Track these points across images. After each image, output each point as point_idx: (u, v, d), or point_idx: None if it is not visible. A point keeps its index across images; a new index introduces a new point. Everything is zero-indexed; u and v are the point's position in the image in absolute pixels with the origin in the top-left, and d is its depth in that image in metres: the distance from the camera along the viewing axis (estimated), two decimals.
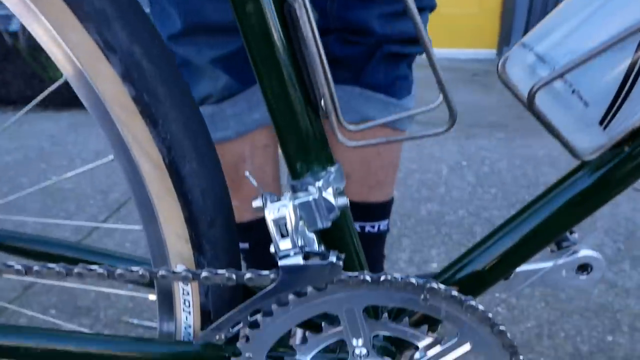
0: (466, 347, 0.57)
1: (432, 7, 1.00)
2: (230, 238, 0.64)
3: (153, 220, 0.60)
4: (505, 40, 5.13)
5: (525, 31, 5.00)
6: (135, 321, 0.72)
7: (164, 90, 0.56)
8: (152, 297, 0.66)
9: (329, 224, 0.55)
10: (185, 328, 0.65)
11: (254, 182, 0.55)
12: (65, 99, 3.39)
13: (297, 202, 0.54)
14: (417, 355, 0.59)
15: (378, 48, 1.02)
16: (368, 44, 1.00)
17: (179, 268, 0.57)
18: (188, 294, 0.64)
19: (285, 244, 0.53)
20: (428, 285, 0.54)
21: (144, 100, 0.55)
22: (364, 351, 0.58)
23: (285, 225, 0.53)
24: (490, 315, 0.55)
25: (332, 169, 0.56)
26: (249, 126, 1.01)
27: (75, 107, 3.30)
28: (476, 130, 3.06)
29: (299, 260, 0.54)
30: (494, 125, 3.17)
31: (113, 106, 0.54)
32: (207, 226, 0.60)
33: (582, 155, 0.53)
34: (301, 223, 0.54)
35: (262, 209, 0.54)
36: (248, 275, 0.56)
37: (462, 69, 4.68)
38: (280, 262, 0.54)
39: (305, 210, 0.54)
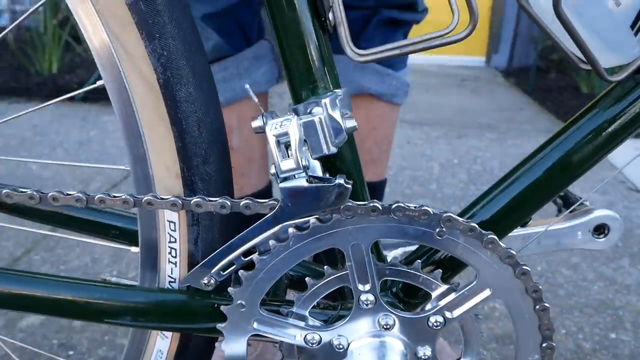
0: (485, 293, 0.51)
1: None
2: (224, 178, 0.57)
3: (141, 151, 0.53)
4: (493, 48, 5.16)
5: (514, 41, 5.05)
6: (115, 279, 0.65)
7: (164, 1, 0.50)
8: (135, 249, 0.60)
9: (335, 149, 0.49)
10: (169, 283, 0.58)
11: (255, 97, 0.49)
12: (52, 91, 3.30)
13: (301, 120, 0.48)
14: (429, 305, 0.53)
15: (375, 14, 0.98)
16: (366, 7, 0.97)
17: (167, 195, 0.51)
18: (175, 241, 0.57)
19: (287, 164, 0.47)
20: (445, 215, 0.48)
21: (141, 8, 0.48)
22: (371, 298, 0.52)
23: (288, 143, 0.47)
24: (513, 252, 0.50)
25: (340, 91, 0.50)
26: (238, 94, 0.96)
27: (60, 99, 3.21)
28: (467, 131, 3.03)
29: (302, 182, 0.47)
30: (485, 126, 3.14)
31: (105, 13, 0.48)
32: (201, 161, 0.54)
33: (607, 74, 0.48)
34: (304, 149, 0.48)
35: (262, 128, 0.48)
36: (244, 202, 0.50)
37: (451, 74, 4.68)
38: (282, 185, 0.48)
39: (309, 131, 0.48)
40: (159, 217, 0.56)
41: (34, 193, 0.50)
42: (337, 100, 0.49)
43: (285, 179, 0.48)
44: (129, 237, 0.66)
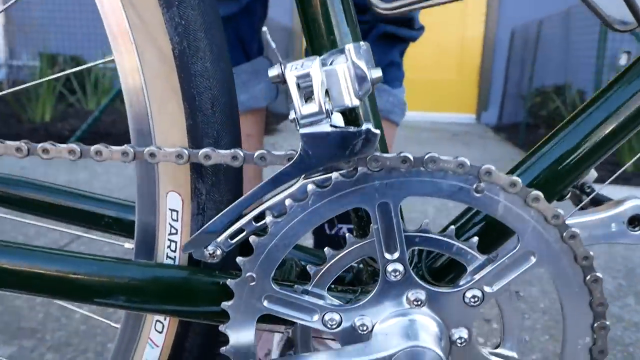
0: (529, 261, 0.46)
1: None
2: (234, 167, 0.52)
3: (145, 130, 0.48)
4: (483, 106, 5.27)
5: (503, 99, 5.17)
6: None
7: None
8: (129, 245, 0.53)
9: (358, 102, 0.44)
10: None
11: (272, 43, 0.45)
12: (43, 137, 3.27)
13: (324, 68, 0.43)
14: (465, 278, 0.47)
15: (372, 28, 0.99)
16: (364, 22, 0.97)
17: (171, 147, 0.45)
18: (176, 233, 0.51)
19: (309, 108, 0.42)
20: (484, 168, 0.43)
21: None
22: (399, 268, 0.46)
23: (310, 87, 0.42)
24: (560, 212, 0.44)
25: (363, 43, 0.47)
26: None
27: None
28: None
29: (325, 127, 0.42)
30: None
31: None
32: (212, 143, 0.49)
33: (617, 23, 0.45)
34: (326, 100, 0.44)
35: (280, 76, 0.43)
36: (258, 153, 0.44)
37: (443, 129, 4.74)
38: (302, 130, 0.43)
39: (332, 80, 0.44)
40: (160, 205, 0.50)
41: (22, 144, 0.45)
42: (361, 50, 0.45)
43: (306, 124, 0.43)
44: (124, 228, 0.60)
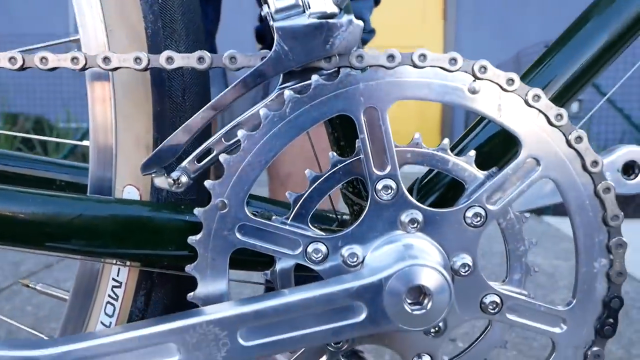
0: (534, 171, 0.41)
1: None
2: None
3: (108, 117, 0.44)
4: None
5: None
6: (39, 286, 0.52)
7: None
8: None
9: (336, 9, 0.40)
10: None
11: None
12: None
13: None
14: (462, 199, 0.42)
15: (366, 42, 0.99)
16: None
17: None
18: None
19: (284, 1, 0.38)
20: (478, 63, 0.40)
21: None
22: (391, 185, 0.40)
23: None
24: (563, 110, 0.40)
25: None
26: None
27: None
28: None
29: (303, 19, 0.38)
30: None
31: None
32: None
33: None
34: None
35: None
36: (228, 53, 0.39)
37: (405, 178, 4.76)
38: (277, 24, 0.38)
39: None
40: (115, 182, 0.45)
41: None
42: None
43: (280, 19, 0.38)
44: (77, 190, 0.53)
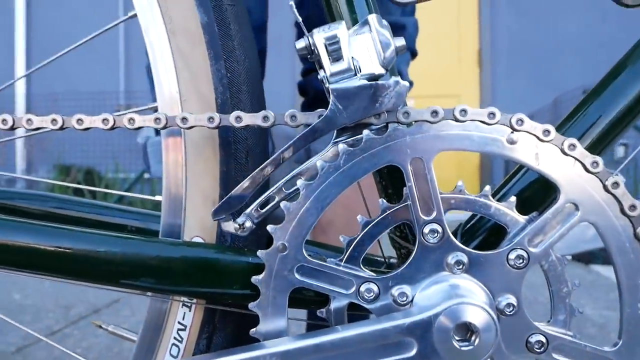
0: (573, 215, 0.43)
1: (413, 51, 1.04)
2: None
3: (179, 176, 0.51)
4: None
5: None
6: (111, 327, 0.57)
7: (235, 27, 0.51)
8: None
9: (383, 70, 0.46)
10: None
11: (298, 16, 0.47)
12: None
13: (350, 35, 0.45)
14: (505, 242, 0.45)
15: None
16: None
17: (203, 115, 0.45)
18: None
19: (338, 66, 0.43)
20: (516, 116, 0.43)
21: (214, 30, 0.49)
22: (437, 229, 0.44)
23: (338, 48, 0.44)
24: (598, 158, 0.43)
25: (383, 20, 0.49)
26: None
27: None
28: None
29: (355, 82, 0.43)
30: None
31: (176, 32, 0.49)
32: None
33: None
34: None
35: (308, 47, 0.45)
36: (290, 112, 0.45)
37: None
38: (332, 86, 0.43)
39: (357, 49, 0.45)
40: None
41: (57, 117, 0.45)
42: (383, 21, 0.47)
43: (335, 81, 0.44)
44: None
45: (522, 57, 5.16)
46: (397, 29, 0.97)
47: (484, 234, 0.48)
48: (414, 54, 1.06)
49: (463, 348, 0.40)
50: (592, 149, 0.47)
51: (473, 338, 0.41)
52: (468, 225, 0.49)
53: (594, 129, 0.49)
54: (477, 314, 0.40)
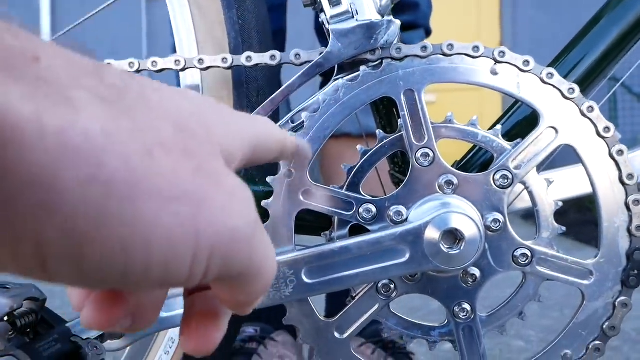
0: (551, 137, 0.48)
1: (427, 28, 1.06)
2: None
3: None
4: None
5: None
6: None
7: None
8: None
9: (380, 17, 0.50)
10: None
11: None
12: None
13: None
14: (493, 165, 0.49)
15: None
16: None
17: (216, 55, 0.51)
18: None
19: (336, 10, 0.49)
20: (498, 49, 0.48)
21: None
22: (429, 152, 0.48)
23: None
24: (575, 85, 0.47)
25: None
26: None
27: None
28: None
29: (352, 23, 0.48)
30: None
31: None
32: None
33: None
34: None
35: None
36: (294, 51, 0.50)
37: None
38: (332, 27, 0.49)
39: None
40: None
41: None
42: None
43: (334, 23, 0.49)
44: None
45: (545, 50, 5.09)
46: (410, 7, 1.00)
47: (477, 167, 0.52)
48: (428, 32, 1.07)
49: (450, 252, 0.45)
50: (580, 84, 0.51)
51: (460, 244, 0.45)
52: (463, 162, 0.53)
53: (580, 67, 0.53)
54: (462, 222, 0.45)
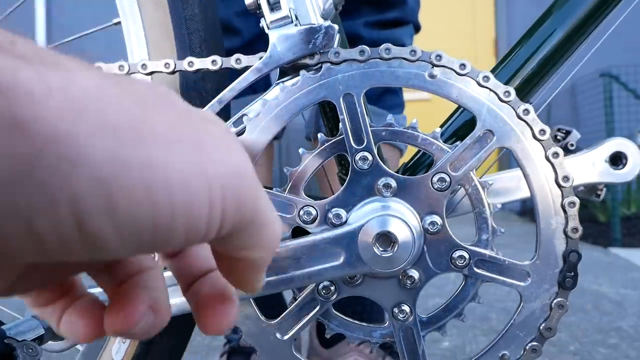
0: (490, 140, 0.48)
1: (416, 24, 1.06)
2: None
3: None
4: None
5: None
6: None
7: None
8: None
9: (323, 21, 0.51)
10: None
11: None
12: None
13: None
14: (432, 168, 0.49)
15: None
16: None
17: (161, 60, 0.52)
18: None
19: (277, 15, 0.49)
20: (434, 53, 0.48)
21: None
22: (367, 156, 0.49)
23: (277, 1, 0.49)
24: (510, 88, 0.48)
25: None
26: None
27: None
28: None
29: (292, 28, 0.49)
30: (500, 246, 3.06)
31: None
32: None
33: None
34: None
35: (255, 2, 0.51)
36: (235, 56, 0.50)
37: (468, 216, 4.71)
38: (271, 32, 0.49)
39: (298, 1, 0.51)
40: None
41: None
42: None
43: (274, 28, 0.49)
44: None
45: None
46: (397, 3, 0.99)
47: (423, 170, 0.53)
48: (417, 27, 1.06)
49: (384, 255, 0.45)
50: (521, 89, 0.52)
51: (393, 247, 0.46)
52: (409, 164, 0.54)
53: (523, 71, 0.53)
54: (396, 224, 0.45)
